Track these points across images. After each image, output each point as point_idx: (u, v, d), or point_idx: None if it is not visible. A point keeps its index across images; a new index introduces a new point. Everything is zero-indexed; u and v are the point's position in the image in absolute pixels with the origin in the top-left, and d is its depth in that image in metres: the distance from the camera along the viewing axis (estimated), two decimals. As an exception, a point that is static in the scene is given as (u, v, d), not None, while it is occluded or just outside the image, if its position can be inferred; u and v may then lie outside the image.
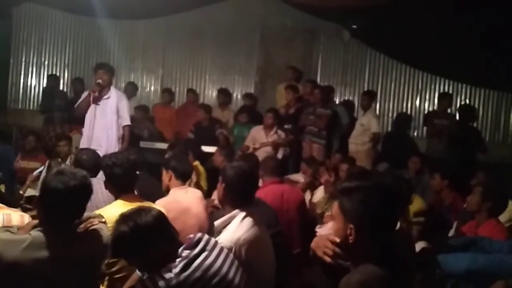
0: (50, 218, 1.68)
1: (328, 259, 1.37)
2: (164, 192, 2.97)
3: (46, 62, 7.48)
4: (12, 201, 3.01)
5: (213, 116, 5.78)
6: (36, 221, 1.80)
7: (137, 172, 3.02)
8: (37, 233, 1.64)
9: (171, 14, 6.59)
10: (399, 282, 1.30)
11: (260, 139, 5.12)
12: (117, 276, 2.19)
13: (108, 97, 4.27)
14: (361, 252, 1.32)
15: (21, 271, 1.57)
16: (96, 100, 4.19)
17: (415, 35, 5.31)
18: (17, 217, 1.93)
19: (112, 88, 4.37)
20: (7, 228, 1.75)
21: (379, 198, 1.32)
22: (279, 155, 4.97)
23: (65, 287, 1.64)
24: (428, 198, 4.03)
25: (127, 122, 4.36)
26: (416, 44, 5.45)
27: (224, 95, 6.19)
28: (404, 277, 1.33)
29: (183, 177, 2.99)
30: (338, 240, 1.35)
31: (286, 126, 5.38)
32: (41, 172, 4.06)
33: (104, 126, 4.23)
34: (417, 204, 3.35)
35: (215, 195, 3.46)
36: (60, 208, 1.67)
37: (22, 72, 7.51)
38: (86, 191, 1.73)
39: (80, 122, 4.52)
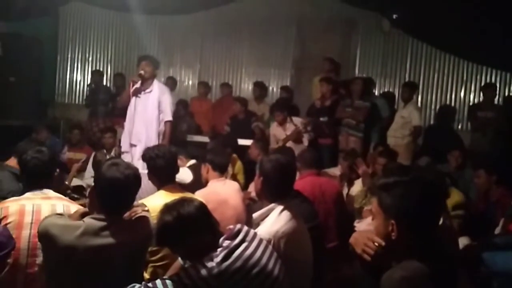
0: (105, 206, 1.75)
1: (367, 257, 1.36)
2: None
3: (90, 58, 7.81)
4: (60, 191, 3.19)
5: (249, 109, 5.81)
6: (84, 209, 1.90)
7: (195, 162, 3.12)
8: (90, 221, 1.72)
9: (208, 9, 6.67)
10: (445, 279, 1.26)
11: (280, 136, 5.06)
12: (159, 263, 2.28)
13: (150, 91, 4.11)
14: (403, 248, 1.29)
15: (74, 256, 1.66)
16: (137, 92, 4.05)
17: (459, 23, 5.06)
18: (75, 209, 2.02)
19: (155, 82, 4.18)
20: (59, 214, 1.86)
21: (420, 192, 1.29)
22: (305, 143, 4.91)
23: (115, 273, 1.71)
24: (472, 194, 3.86)
25: (169, 117, 4.18)
26: (460, 32, 5.20)
27: (260, 88, 6.20)
28: (451, 275, 1.30)
29: (220, 169, 3.04)
30: (382, 242, 1.33)
31: (321, 119, 5.32)
32: (84, 162, 4.26)
33: (144, 121, 4.07)
34: (454, 197, 3.24)
35: (251, 188, 3.49)
36: (116, 196, 1.75)
37: (68, 68, 7.89)
38: (138, 181, 1.81)
39: (122, 116, 4.50)
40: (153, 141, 4.05)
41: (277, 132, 5.12)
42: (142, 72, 4.05)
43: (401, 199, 1.28)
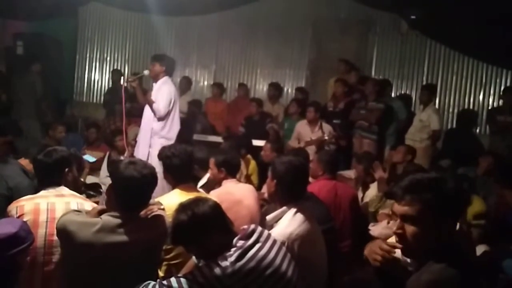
0: (122, 204, 1.79)
1: (377, 264, 1.35)
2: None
3: (108, 58, 7.93)
4: (76, 188, 3.24)
5: (263, 110, 5.81)
6: (101, 207, 1.94)
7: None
8: (107, 218, 1.75)
9: (224, 10, 6.70)
10: (472, 285, 1.23)
11: (306, 135, 4.99)
12: (174, 262, 2.30)
13: (153, 90, 4.04)
14: (428, 250, 1.25)
15: (91, 253, 1.69)
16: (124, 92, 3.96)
17: (478, 25, 4.96)
18: (89, 206, 2.07)
19: (161, 80, 4.01)
20: (77, 211, 1.90)
21: (449, 190, 1.26)
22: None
23: (130, 270, 1.74)
24: (492, 200, 3.77)
25: (159, 113, 3.93)
26: (479, 34, 5.10)
27: (275, 89, 6.19)
28: (476, 281, 1.27)
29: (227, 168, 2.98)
30: (393, 249, 1.32)
31: (335, 121, 5.25)
32: (95, 161, 4.30)
33: (146, 120, 4.07)
34: (476, 205, 3.13)
35: (265, 189, 3.48)
36: (133, 194, 1.79)
37: (87, 68, 8.03)
38: (155, 180, 1.85)
39: (139, 116, 4.54)
40: (144, 140, 4.03)
41: (303, 130, 5.02)
42: (145, 72, 4.07)
43: (451, 193, 1.25)
